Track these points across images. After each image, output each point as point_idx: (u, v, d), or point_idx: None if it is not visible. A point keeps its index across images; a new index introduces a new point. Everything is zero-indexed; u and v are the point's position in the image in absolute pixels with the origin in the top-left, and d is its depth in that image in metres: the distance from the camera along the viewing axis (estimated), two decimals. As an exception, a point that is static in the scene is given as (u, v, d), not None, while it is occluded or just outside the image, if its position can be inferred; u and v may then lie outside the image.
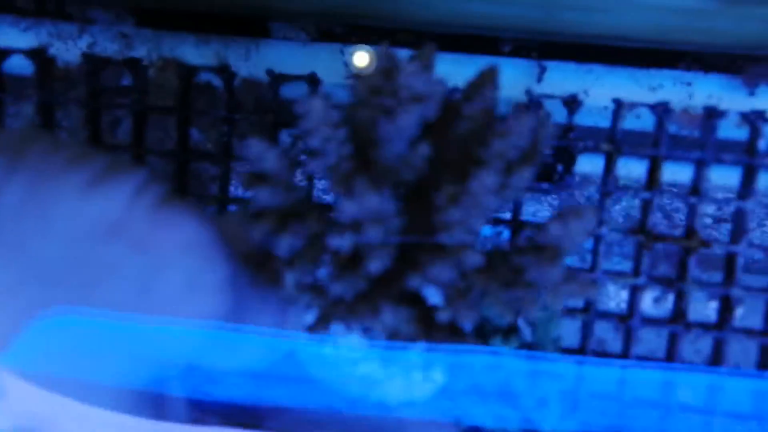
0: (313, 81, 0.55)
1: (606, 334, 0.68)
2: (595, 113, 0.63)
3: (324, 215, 0.30)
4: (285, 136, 0.64)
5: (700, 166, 0.54)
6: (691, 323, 0.55)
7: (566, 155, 0.54)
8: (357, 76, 0.29)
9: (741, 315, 0.57)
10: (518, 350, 0.47)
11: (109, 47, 0.62)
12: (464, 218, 0.26)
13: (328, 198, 0.67)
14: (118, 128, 0.66)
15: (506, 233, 0.60)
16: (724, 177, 0.63)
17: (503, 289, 0.27)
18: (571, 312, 0.55)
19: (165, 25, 0.57)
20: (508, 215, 0.55)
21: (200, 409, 0.36)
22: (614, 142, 0.54)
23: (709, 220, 0.65)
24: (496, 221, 0.56)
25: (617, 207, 0.66)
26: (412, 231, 0.29)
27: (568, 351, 0.54)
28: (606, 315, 0.56)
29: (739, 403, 0.52)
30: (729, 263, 0.55)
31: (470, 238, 0.27)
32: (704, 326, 0.55)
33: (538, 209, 0.68)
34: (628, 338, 0.55)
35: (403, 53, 0.32)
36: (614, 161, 0.53)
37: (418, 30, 0.57)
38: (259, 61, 0.61)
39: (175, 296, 0.25)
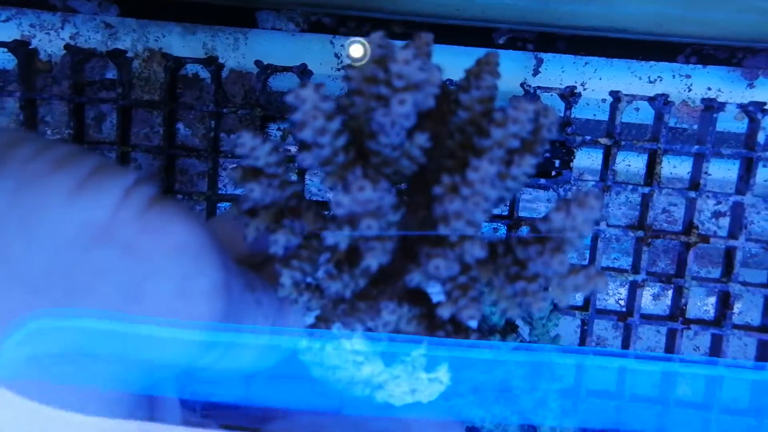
0: (303, 72, 0.53)
1: (606, 333, 0.67)
2: (593, 106, 0.62)
3: (320, 211, 0.28)
4: (274, 130, 0.62)
5: (699, 159, 0.53)
6: (690, 319, 0.54)
7: (564, 150, 0.53)
8: (351, 66, 0.28)
9: (739, 310, 0.56)
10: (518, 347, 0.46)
11: (92, 38, 0.60)
12: (464, 209, 0.25)
13: (319, 196, 0.65)
14: (104, 123, 0.64)
15: (503, 230, 0.59)
16: (722, 170, 0.62)
17: (508, 282, 0.26)
18: (569, 310, 0.54)
19: (150, 15, 0.55)
20: (505, 212, 0.54)
21: (201, 414, 0.35)
22: (612, 135, 0.52)
23: (707, 215, 0.65)
24: (493, 217, 0.54)
25: (617, 202, 0.65)
26: (411, 225, 0.28)
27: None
28: (605, 312, 0.55)
29: (737, 398, 0.51)
30: (728, 258, 0.54)
31: (472, 230, 0.25)
32: (703, 322, 0.54)
33: (536, 207, 0.67)
34: (627, 336, 0.54)
35: (397, 45, 0.31)
36: (613, 155, 0.52)
37: (410, 21, 0.56)
38: (247, 51, 0.59)
39: (165, 302, 0.24)
